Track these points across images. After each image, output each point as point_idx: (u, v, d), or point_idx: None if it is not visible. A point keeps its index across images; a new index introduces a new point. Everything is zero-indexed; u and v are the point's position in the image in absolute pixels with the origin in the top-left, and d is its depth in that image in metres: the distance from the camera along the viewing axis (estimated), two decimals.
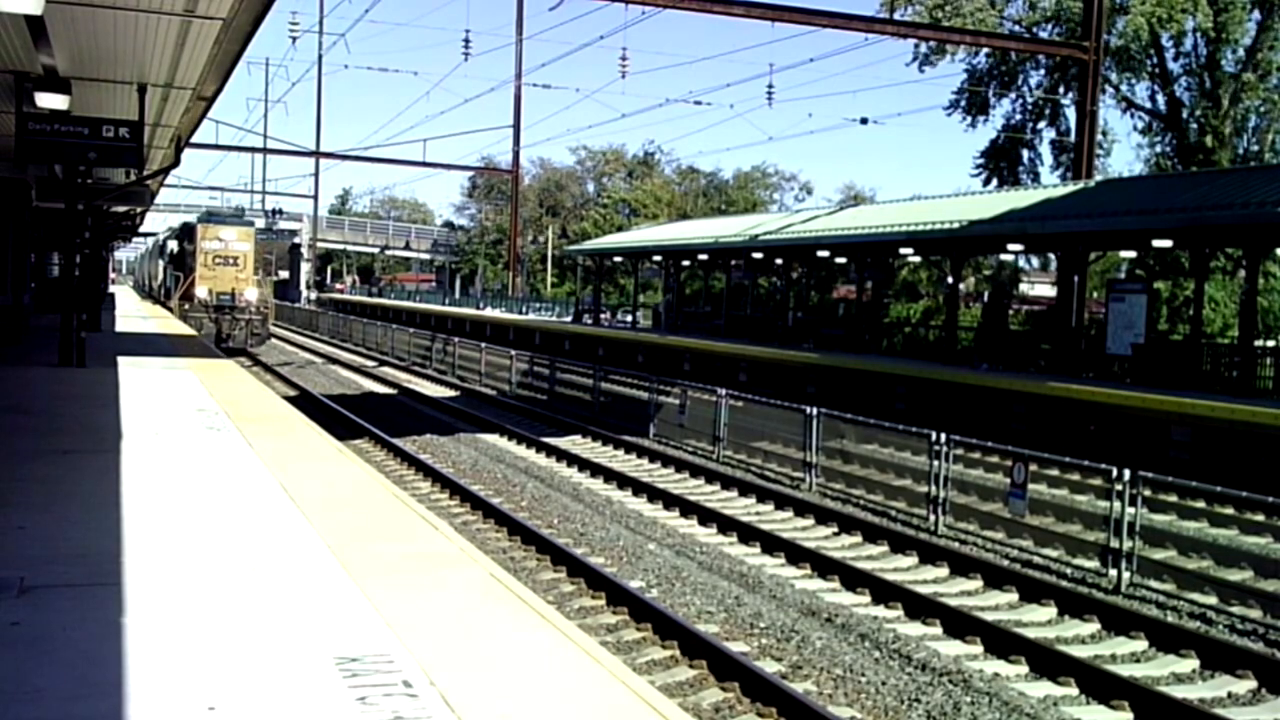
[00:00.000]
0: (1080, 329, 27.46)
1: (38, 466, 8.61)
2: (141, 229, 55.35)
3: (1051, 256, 36.79)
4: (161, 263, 54.41)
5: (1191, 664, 9.59)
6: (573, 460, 18.94)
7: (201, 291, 38.61)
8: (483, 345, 36.50)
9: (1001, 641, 9.80)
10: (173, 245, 47.99)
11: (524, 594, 5.79)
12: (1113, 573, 12.02)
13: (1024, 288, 53.61)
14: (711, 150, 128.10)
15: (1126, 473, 12.10)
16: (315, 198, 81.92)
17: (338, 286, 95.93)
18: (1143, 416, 19.64)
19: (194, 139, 20.08)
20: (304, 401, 25.03)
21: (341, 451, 10.62)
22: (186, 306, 39.08)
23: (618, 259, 54.45)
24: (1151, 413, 19.52)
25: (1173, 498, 15.91)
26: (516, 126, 61.43)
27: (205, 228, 40.05)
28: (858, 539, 13.99)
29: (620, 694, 4.40)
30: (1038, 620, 10.83)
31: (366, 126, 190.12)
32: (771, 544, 13.18)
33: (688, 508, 15.10)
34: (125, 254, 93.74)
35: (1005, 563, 12.85)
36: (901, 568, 12.76)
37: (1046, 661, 9.29)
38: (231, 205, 64.32)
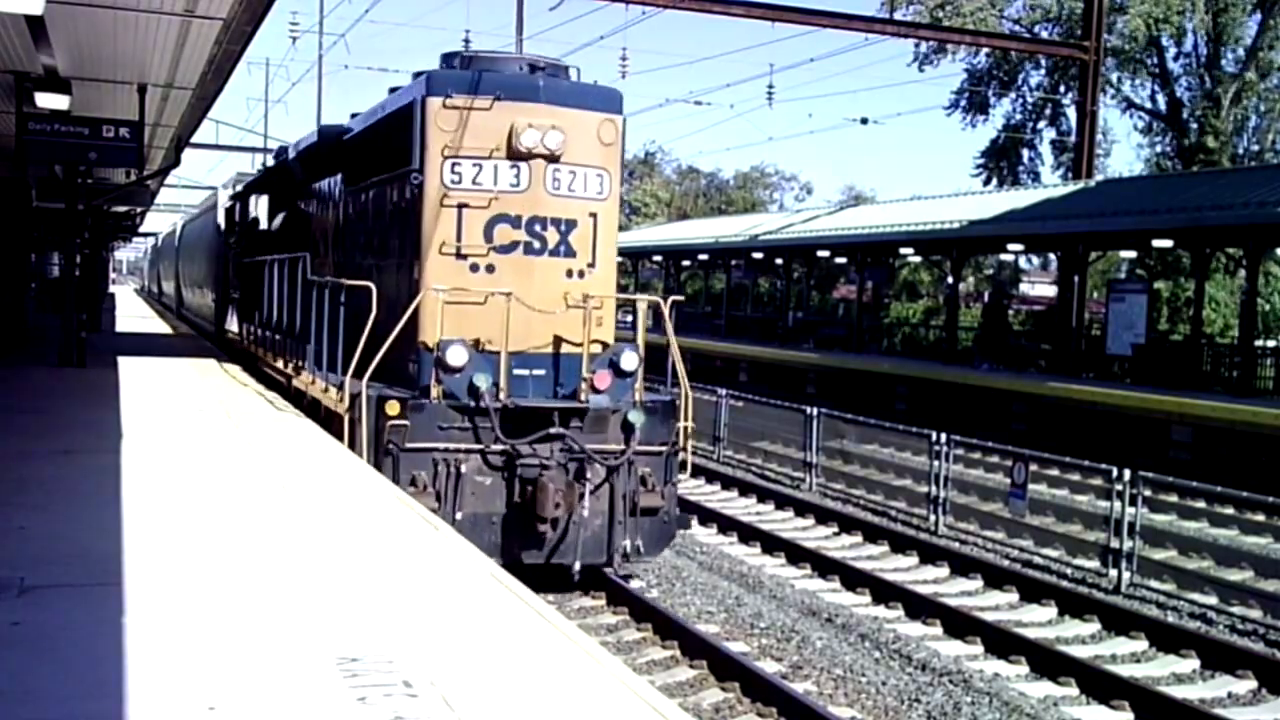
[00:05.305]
0: (1080, 329, 27.46)
1: (38, 466, 8.60)
2: (141, 229, 53.06)
3: (1051, 256, 36.78)
4: (202, 260, 26.85)
5: (1192, 664, 9.60)
6: None
7: (456, 357, 10.01)
8: None
9: (1001, 641, 9.80)
10: (259, 208, 19.11)
11: (524, 594, 5.79)
12: (1113, 573, 12.02)
13: (1024, 288, 53.58)
14: (711, 150, 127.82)
15: (1127, 473, 12.10)
16: None
17: None
18: (1143, 417, 19.63)
19: (194, 139, 20.04)
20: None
21: (341, 450, 10.61)
22: (393, 416, 10.02)
23: (617, 259, 54.43)
24: (1152, 413, 19.51)
25: (1173, 498, 15.91)
26: None
27: (442, 107, 10.42)
28: (858, 539, 13.99)
29: (620, 694, 4.39)
30: (1038, 620, 10.83)
31: None
32: (771, 544, 13.18)
33: (687, 507, 15.10)
34: (125, 254, 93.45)
35: (1005, 563, 12.85)
36: (901, 568, 12.76)
37: (1046, 661, 9.30)
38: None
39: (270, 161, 21.16)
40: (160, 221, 52.80)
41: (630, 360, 10.57)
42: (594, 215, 10.84)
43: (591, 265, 10.83)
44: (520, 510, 10.02)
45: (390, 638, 4.87)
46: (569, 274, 10.72)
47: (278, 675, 4.40)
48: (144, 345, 22.93)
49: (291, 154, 16.60)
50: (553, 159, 10.51)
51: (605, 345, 10.81)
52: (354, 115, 13.45)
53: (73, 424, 11.17)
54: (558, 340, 10.58)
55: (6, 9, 8.49)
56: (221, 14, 9.88)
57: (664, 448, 10.65)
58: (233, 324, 20.88)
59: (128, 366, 16.89)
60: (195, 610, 5.18)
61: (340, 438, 10.51)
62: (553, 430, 10.11)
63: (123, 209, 32.22)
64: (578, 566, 10.11)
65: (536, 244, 10.59)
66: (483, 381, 9.95)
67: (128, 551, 6.10)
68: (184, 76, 13.01)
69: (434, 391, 10.15)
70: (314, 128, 15.78)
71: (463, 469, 9.99)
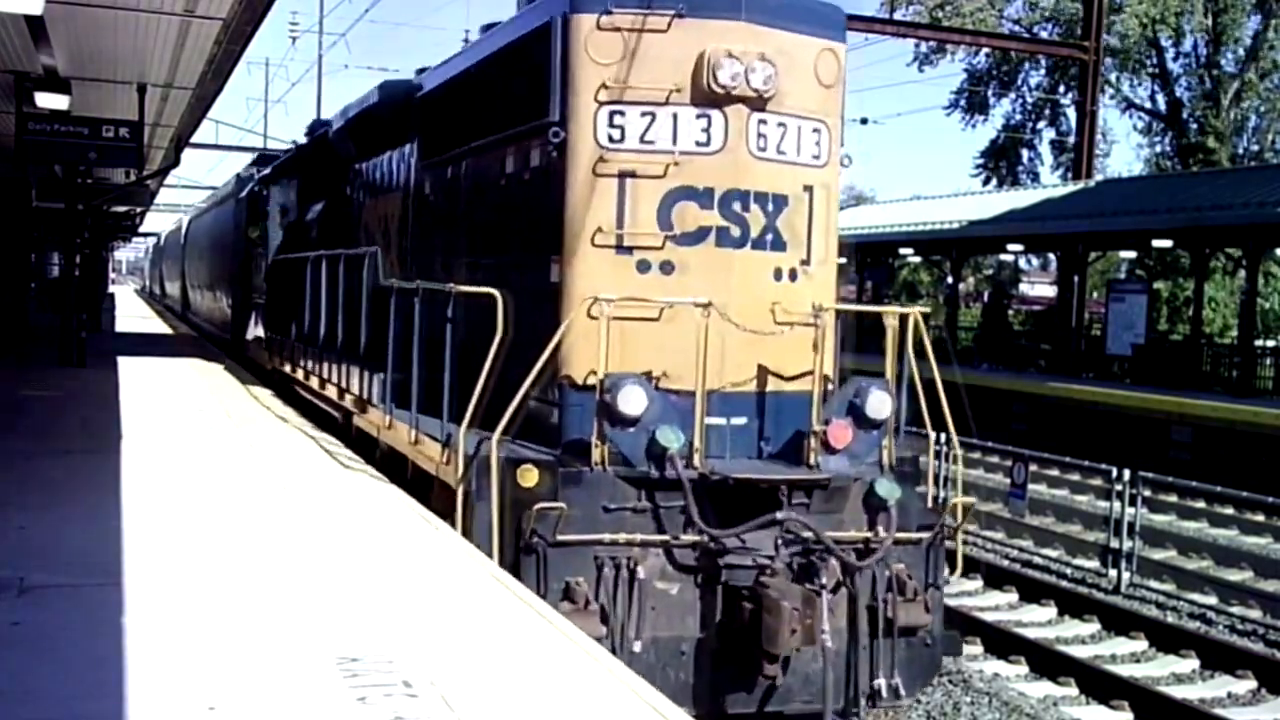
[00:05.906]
0: (1080, 329, 27.48)
1: (38, 466, 8.60)
2: (141, 229, 52.92)
3: (1051, 256, 36.79)
4: (215, 258, 24.48)
5: (1191, 664, 9.60)
6: None
7: (633, 402, 6.77)
8: None
9: (1001, 641, 9.80)
10: (290, 196, 16.44)
11: (523, 593, 5.79)
12: (1113, 573, 12.02)
13: (1024, 288, 53.59)
14: None
15: (1126, 473, 12.11)
16: None
17: None
18: (1143, 417, 19.64)
19: (194, 139, 20.04)
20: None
21: (341, 450, 10.60)
22: (533, 489, 6.69)
23: None
24: (1152, 413, 19.52)
25: (1173, 498, 15.92)
26: None
27: (596, 28, 7.11)
28: None
29: (620, 694, 4.40)
30: (1037, 620, 10.83)
31: None
32: None
33: None
34: (125, 254, 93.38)
35: (1005, 563, 12.85)
36: None
37: (1046, 661, 9.30)
38: None
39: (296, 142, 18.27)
40: (160, 221, 52.73)
41: (880, 404, 7.11)
42: (809, 189, 7.36)
43: (805, 262, 7.36)
44: (727, 635, 6.64)
45: (390, 638, 4.87)
46: (777, 274, 7.28)
47: (278, 675, 4.40)
48: (142, 344, 22.92)
49: (337, 125, 12.88)
50: (759, 104, 7.08)
51: (830, 381, 7.38)
52: (421, 71, 10.75)
53: (73, 424, 11.17)
54: (763, 373, 7.19)
55: (6, 9, 8.50)
56: (221, 14, 9.88)
57: (924, 534, 7.21)
58: (258, 331, 17.45)
59: (127, 366, 16.89)
60: (195, 610, 5.18)
61: (445, 514, 7.26)
62: (779, 514, 6.61)
63: (123, 209, 32.24)
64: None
65: (735, 231, 7.12)
66: (672, 440, 6.62)
67: (127, 551, 6.10)
68: (184, 76, 13.01)
69: (596, 454, 6.76)
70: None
71: (639, 572, 6.58)
